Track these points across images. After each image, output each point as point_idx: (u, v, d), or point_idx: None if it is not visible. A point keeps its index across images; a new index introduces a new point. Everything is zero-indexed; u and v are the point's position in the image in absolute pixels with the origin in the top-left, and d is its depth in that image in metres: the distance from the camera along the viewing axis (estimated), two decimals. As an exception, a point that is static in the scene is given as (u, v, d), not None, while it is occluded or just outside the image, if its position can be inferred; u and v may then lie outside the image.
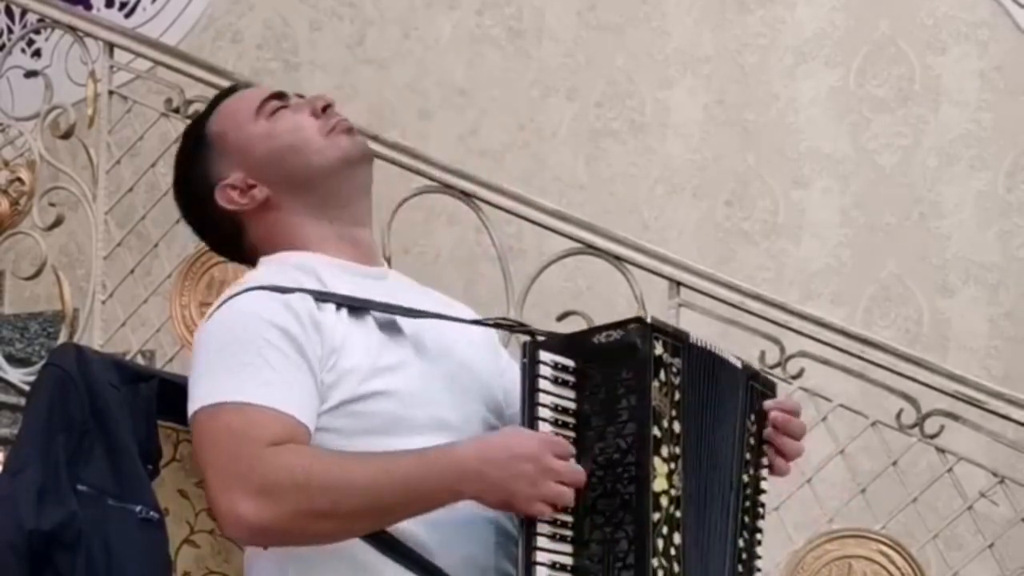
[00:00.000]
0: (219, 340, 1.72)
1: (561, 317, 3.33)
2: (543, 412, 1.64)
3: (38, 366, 3.52)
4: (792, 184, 4.53)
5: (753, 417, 1.82)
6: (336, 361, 1.72)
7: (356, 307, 1.76)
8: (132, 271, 3.78)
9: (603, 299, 4.22)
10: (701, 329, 3.32)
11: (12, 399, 3.73)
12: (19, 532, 1.71)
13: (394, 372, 1.73)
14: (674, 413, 1.67)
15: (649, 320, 1.69)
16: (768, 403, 1.84)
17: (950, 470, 3.22)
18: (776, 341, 3.24)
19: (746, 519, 1.81)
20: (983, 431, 3.24)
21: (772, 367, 3.21)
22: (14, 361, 3.96)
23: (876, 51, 4.49)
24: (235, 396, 1.67)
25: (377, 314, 1.77)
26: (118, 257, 3.80)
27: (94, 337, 3.69)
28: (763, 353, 3.23)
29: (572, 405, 1.66)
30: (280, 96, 1.90)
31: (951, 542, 3.60)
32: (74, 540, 1.72)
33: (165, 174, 3.88)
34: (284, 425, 1.66)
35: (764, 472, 1.84)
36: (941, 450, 3.24)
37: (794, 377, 3.22)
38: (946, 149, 4.40)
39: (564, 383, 1.66)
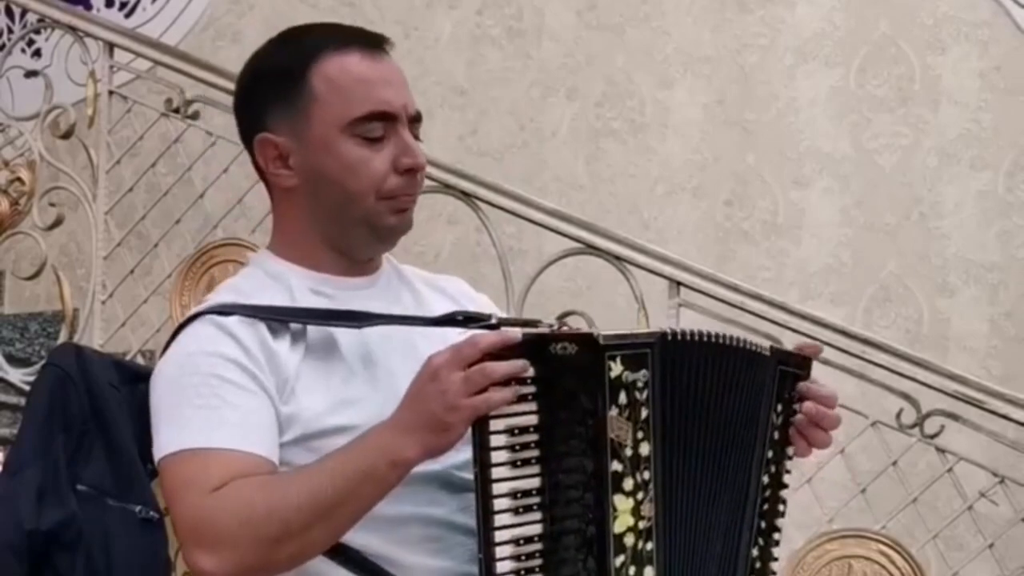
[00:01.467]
0: (170, 384, 1.66)
1: (561, 317, 3.33)
2: (495, 439, 1.53)
3: (38, 366, 3.53)
4: (792, 184, 4.53)
5: (780, 407, 1.72)
6: (292, 392, 1.66)
7: (320, 328, 1.69)
8: (132, 271, 3.78)
9: (603, 299, 4.22)
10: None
11: (12, 399, 3.73)
12: (19, 532, 1.71)
13: (354, 406, 1.66)
14: (640, 435, 1.56)
15: (601, 339, 1.54)
16: (801, 388, 1.74)
17: (950, 470, 3.22)
18: (776, 341, 3.23)
19: (763, 524, 1.74)
20: (983, 431, 3.23)
21: (772, 367, 3.20)
22: (14, 361, 3.95)
23: (876, 51, 4.49)
24: (192, 443, 1.62)
25: (343, 341, 1.70)
26: (118, 257, 3.80)
27: (94, 337, 3.69)
28: (763, 353, 3.23)
29: (533, 420, 1.54)
30: (387, 117, 1.72)
31: (951, 542, 3.60)
32: (74, 540, 1.72)
33: (165, 174, 3.89)
34: (239, 466, 1.60)
35: (788, 465, 1.74)
36: (941, 450, 3.23)
37: (794, 377, 3.21)
38: (946, 149, 4.40)
39: (523, 397, 1.54)
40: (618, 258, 3.37)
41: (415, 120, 1.76)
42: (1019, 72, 4.35)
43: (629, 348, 1.56)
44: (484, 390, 1.52)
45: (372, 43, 1.76)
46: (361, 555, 1.64)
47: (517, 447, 1.53)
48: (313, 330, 1.70)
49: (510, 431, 1.53)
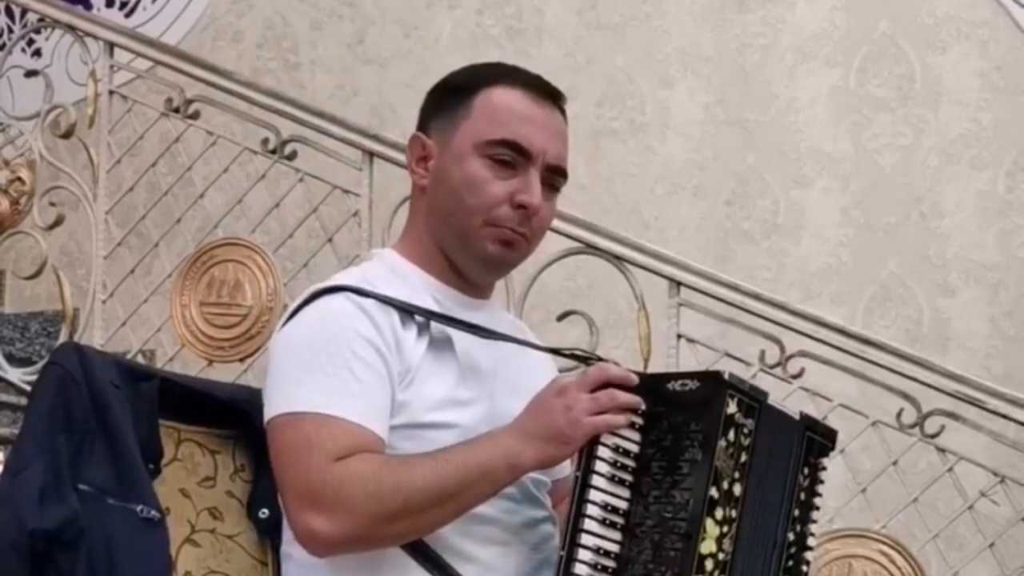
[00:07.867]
0: (305, 346, 1.72)
1: (561, 317, 3.33)
2: (602, 451, 1.64)
3: (38, 366, 3.53)
4: (792, 184, 4.53)
5: (806, 471, 1.79)
6: (411, 381, 1.73)
7: (441, 328, 1.77)
8: (132, 271, 3.78)
9: (603, 299, 4.23)
10: (701, 329, 3.36)
11: (12, 399, 3.73)
12: (20, 531, 1.70)
13: (464, 407, 1.75)
14: (737, 475, 1.65)
15: (726, 376, 1.66)
16: None
17: (950, 470, 3.22)
18: (776, 341, 3.23)
19: None
20: (983, 431, 3.23)
21: (772, 367, 3.20)
22: (14, 361, 3.95)
23: (876, 51, 4.49)
24: (319, 407, 1.68)
25: (459, 349, 1.77)
26: (118, 257, 3.80)
27: (94, 337, 3.69)
28: (763, 353, 3.23)
29: (635, 448, 1.65)
30: (520, 151, 1.81)
31: (951, 542, 3.60)
32: (75, 539, 1.72)
33: (166, 174, 3.89)
34: (363, 439, 1.68)
35: (813, 528, 1.80)
36: (941, 450, 3.23)
37: (794, 377, 3.21)
38: (946, 149, 4.40)
39: (630, 425, 1.65)
40: (618, 258, 3.36)
41: (554, 172, 1.84)
42: (1019, 72, 4.35)
43: (746, 395, 1.67)
44: (605, 412, 1.64)
45: (544, 91, 1.87)
46: (426, 544, 1.70)
47: (618, 464, 1.64)
48: (435, 329, 1.78)
49: (615, 449, 1.64)
